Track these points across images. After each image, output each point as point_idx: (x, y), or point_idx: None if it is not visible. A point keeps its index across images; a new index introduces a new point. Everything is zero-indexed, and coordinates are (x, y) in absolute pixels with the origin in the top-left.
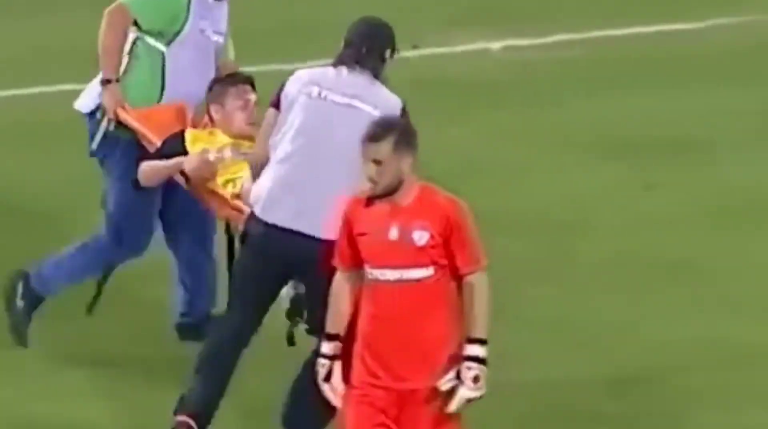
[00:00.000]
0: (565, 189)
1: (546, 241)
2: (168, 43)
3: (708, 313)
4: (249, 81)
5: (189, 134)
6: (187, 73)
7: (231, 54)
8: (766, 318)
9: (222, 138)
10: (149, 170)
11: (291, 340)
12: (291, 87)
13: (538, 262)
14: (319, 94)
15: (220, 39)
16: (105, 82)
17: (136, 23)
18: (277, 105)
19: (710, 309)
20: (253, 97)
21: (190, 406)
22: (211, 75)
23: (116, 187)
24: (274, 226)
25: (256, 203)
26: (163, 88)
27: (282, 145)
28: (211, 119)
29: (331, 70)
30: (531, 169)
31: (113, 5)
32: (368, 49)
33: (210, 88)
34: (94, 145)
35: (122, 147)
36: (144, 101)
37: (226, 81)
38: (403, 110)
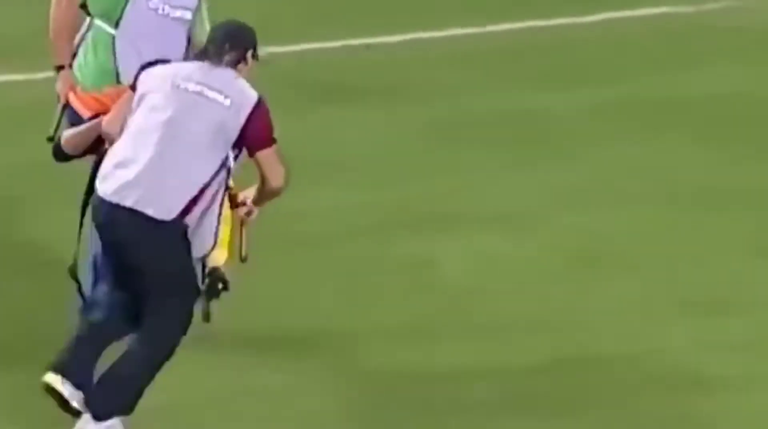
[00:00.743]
0: None
1: None
2: (116, 26)
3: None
4: None
5: None
6: (143, 55)
7: (205, 28)
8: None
9: None
10: (70, 136)
11: (207, 317)
12: (148, 75)
13: None
14: (173, 83)
15: (186, 14)
16: (58, 69)
17: (84, 7)
18: (134, 88)
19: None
20: None
21: (59, 366)
22: (180, 53)
23: None
24: (110, 202)
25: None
26: (118, 72)
27: (127, 134)
28: None
29: (192, 64)
30: None
31: None
32: (231, 46)
33: (135, 75)
34: (52, 131)
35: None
36: (102, 86)
37: (148, 66)
38: (258, 102)
